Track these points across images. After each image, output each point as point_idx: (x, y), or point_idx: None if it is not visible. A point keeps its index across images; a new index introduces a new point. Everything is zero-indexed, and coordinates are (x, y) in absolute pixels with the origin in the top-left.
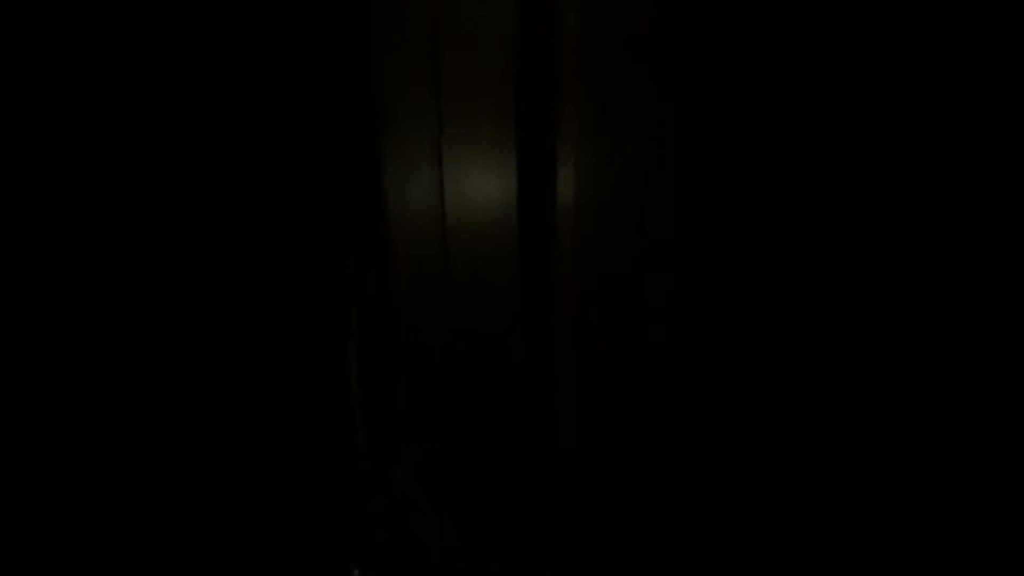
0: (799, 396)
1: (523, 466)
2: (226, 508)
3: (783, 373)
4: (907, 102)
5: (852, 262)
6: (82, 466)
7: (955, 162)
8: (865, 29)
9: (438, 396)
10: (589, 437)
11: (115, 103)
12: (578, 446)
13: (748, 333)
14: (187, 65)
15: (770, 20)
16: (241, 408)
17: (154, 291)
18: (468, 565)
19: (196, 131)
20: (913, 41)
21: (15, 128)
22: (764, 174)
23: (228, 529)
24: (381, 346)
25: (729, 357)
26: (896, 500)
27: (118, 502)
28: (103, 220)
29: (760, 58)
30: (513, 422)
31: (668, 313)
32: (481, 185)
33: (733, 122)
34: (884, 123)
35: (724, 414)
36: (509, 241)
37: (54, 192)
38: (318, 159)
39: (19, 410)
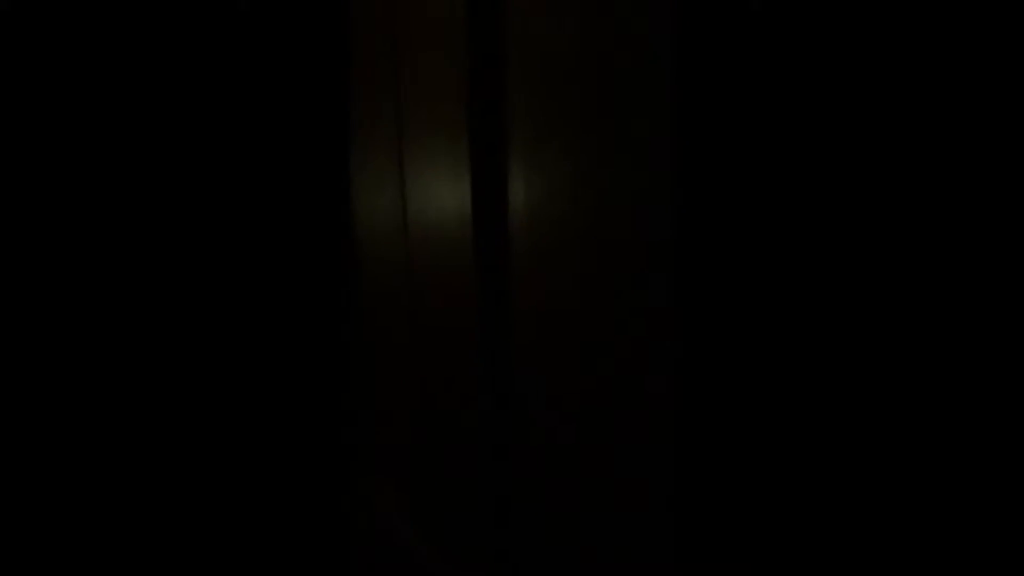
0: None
1: (488, 467)
2: (218, 517)
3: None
4: (906, 109)
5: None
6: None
7: (954, 162)
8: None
9: (407, 399)
10: (544, 429)
11: (116, 104)
12: (537, 442)
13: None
14: (188, 65)
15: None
16: (238, 410)
17: (153, 294)
18: (441, 570)
19: (198, 132)
20: (912, 45)
21: (18, 128)
22: (694, 176)
23: (220, 538)
24: (356, 351)
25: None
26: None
27: (108, 506)
28: (104, 220)
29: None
30: (475, 419)
31: (616, 308)
32: (439, 196)
33: (675, 136)
34: (872, 124)
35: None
36: (465, 247)
37: (53, 193)
38: (316, 159)
39: (17, 408)
